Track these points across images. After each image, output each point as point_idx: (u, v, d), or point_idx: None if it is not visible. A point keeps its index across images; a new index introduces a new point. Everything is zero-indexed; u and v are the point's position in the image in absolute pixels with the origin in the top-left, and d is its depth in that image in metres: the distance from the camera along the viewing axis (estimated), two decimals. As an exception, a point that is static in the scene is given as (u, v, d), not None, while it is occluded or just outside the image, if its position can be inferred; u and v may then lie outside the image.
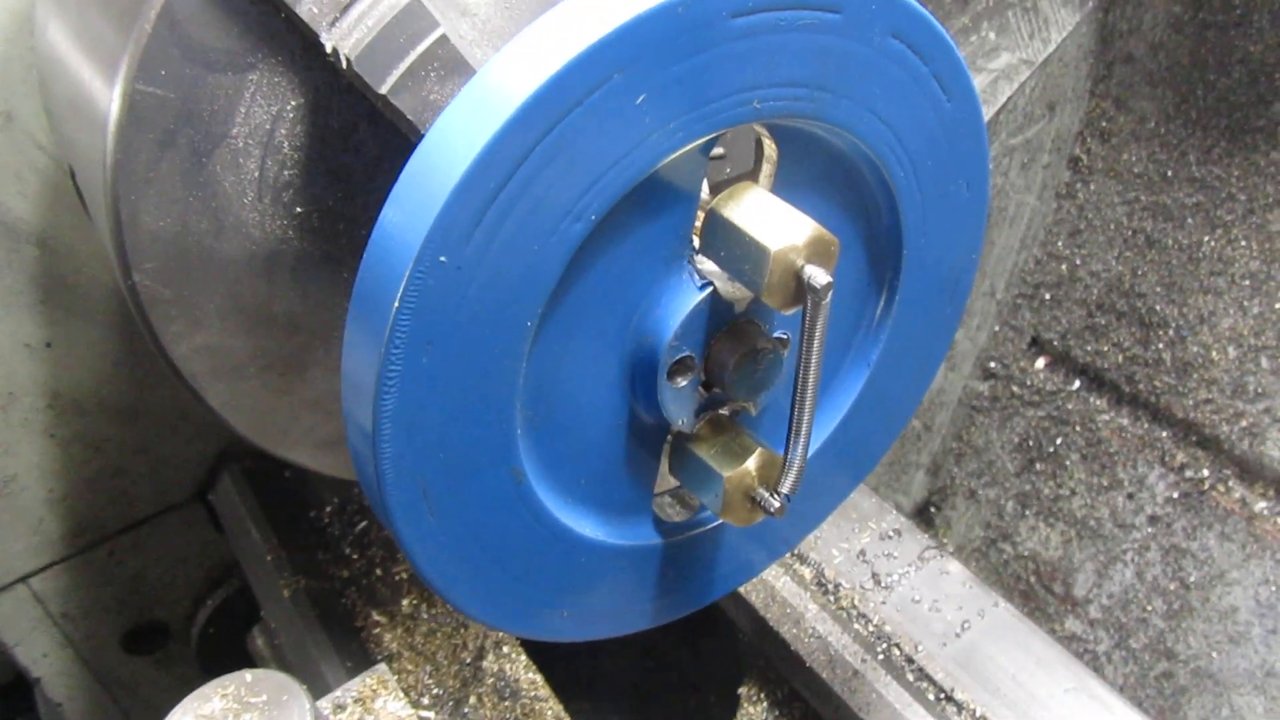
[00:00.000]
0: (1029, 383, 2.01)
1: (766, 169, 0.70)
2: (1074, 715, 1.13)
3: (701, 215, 0.68)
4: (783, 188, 0.70)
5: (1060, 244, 1.90)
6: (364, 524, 1.44)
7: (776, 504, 0.70)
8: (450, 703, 1.21)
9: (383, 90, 0.71)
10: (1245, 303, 1.62)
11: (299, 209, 0.83)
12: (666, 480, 0.81)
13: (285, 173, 0.81)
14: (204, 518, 1.59)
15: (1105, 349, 1.87)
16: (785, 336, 0.74)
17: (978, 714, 1.13)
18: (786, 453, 0.69)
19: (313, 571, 1.37)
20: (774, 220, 0.63)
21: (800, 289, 0.62)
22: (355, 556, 1.41)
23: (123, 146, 0.75)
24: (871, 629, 1.23)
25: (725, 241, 0.65)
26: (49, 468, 1.39)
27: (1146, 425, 1.84)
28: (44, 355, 1.30)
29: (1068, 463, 1.97)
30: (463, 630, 1.29)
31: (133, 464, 1.47)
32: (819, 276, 0.62)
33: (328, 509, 1.47)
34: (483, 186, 0.54)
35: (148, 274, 0.79)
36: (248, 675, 1.04)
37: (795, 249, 0.62)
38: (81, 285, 1.28)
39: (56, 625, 1.54)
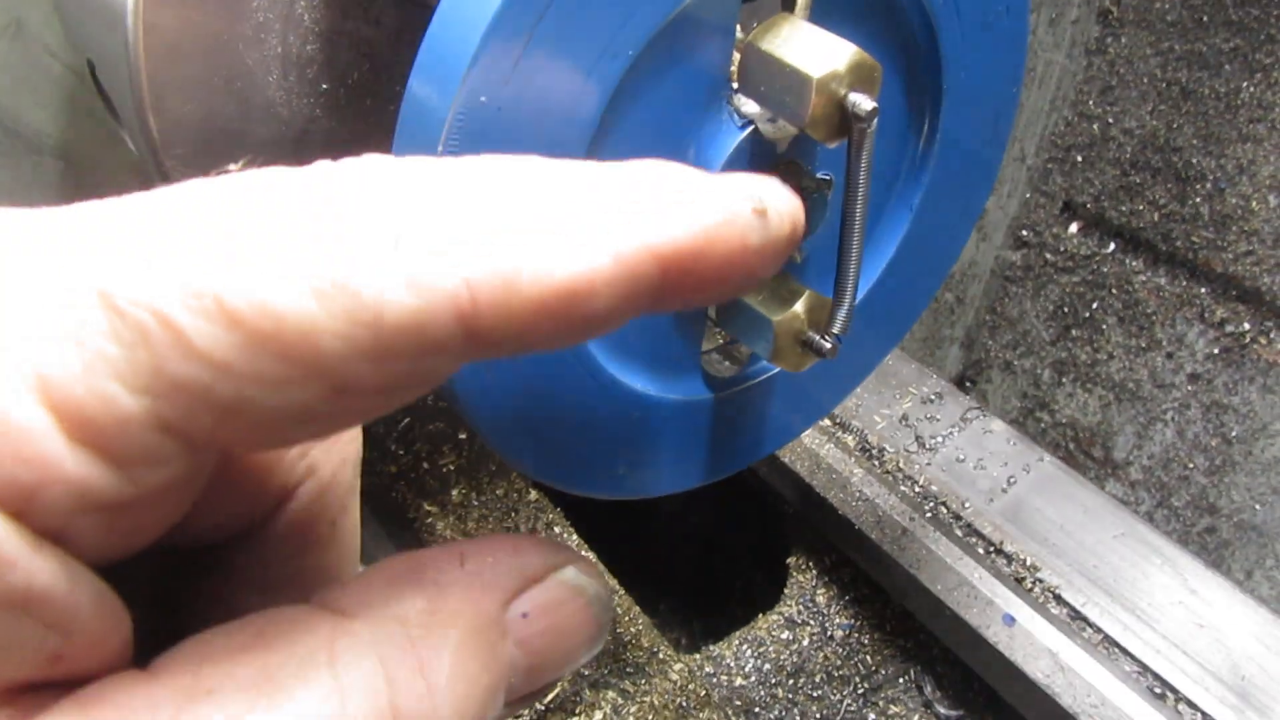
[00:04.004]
0: (1062, 248, 1.98)
1: (802, 0, 0.68)
2: (1124, 559, 1.14)
3: (738, 57, 0.67)
4: (819, 19, 0.68)
5: (1091, 103, 1.85)
6: (406, 420, 1.46)
7: (828, 345, 0.69)
8: (507, 583, 1.23)
9: (401, -51, 0.70)
10: (1286, 147, 1.58)
11: (324, 85, 0.81)
12: (713, 339, 0.81)
13: (308, 48, 0.80)
14: (249, 427, 1.61)
15: (1140, 208, 1.83)
16: (829, 177, 0.73)
17: (1028, 564, 1.15)
18: (836, 292, 0.68)
19: (361, 469, 1.40)
20: (813, 48, 0.61)
21: (845, 118, 0.61)
22: (401, 452, 1.43)
23: (144, 31, 0.74)
24: (918, 490, 1.24)
25: (764, 76, 0.63)
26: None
27: (1185, 283, 1.82)
28: (79, 270, 1.31)
29: (1104, 326, 1.95)
30: (514, 514, 1.31)
31: (176, 376, 1.48)
32: (863, 103, 0.60)
33: (370, 409, 1.49)
34: (517, 23, 0.53)
35: (180, 160, 0.78)
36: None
37: (837, 75, 0.60)
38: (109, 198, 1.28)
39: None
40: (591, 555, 1.27)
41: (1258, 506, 1.79)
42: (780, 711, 1.20)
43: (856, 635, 1.27)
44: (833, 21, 0.69)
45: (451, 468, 1.38)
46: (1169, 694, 1.04)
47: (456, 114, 0.53)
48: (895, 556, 1.17)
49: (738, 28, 0.67)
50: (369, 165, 0.32)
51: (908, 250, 0.86)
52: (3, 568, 0.26)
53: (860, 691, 1.22)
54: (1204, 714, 1.02)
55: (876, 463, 1.28)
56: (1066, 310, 2.01)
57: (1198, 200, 1.74)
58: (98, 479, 0.27)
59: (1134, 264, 1.89)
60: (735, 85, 0.67)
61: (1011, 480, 1.24)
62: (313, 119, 0.82)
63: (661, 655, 1.16)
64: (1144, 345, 1.90)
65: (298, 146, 0.83)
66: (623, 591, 1.22)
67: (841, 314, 0.68)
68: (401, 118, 0.57)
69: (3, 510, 0.26)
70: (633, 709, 1.10)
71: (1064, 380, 2.04)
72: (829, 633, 1.27)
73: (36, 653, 0.28)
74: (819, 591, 1.31)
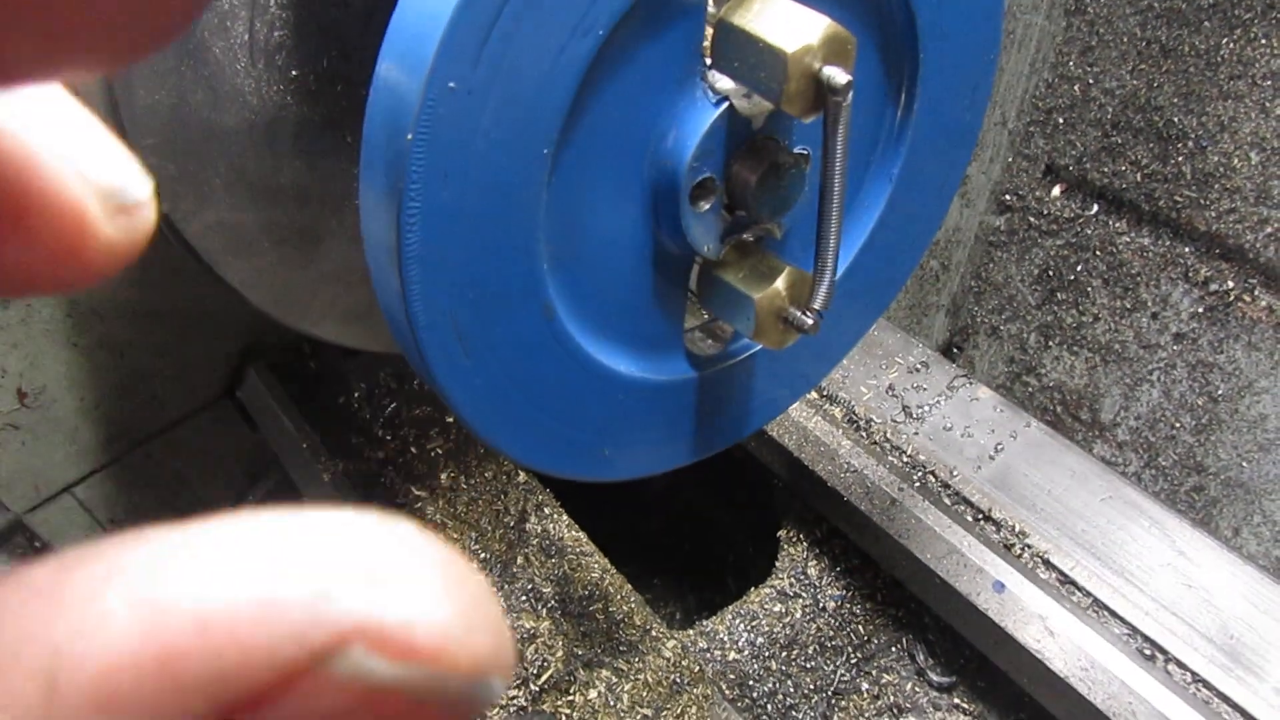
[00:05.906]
0: (1046, 212, 1.98)
1: (774, -27, 0.67)
2: (1111, 522, 1.15)
3: (711, 31, 0.66)
4: (792, -8, 0.67)
5: (1071, 64, 1.84)
6: (393, 405, 1.45)
7: (810, 321, 0.69)
8: (499, 565, 1.24)
9: (366, -70, 0.68)
10: (1267, 104, 1.57)
11: (294, 72, 0.80)
12: (695, 316, 0.81)
13: (275, 34, 0.78)
14: (236, 415, 1.60)
15: (1123, 169, 1.83)
16: (806, 152, 0.72)
17: (1016, 529, 1.15)
18: (816, 266, 0.68)
19: (349, 455, 1.39)
20: (786, 22, 0.60)
21: (820, 92, 0.60)
22: (388, 438, 1.42)
23: (105, 19, 0.73)
24: (906, 459, 1.24)
25: (738, 51, 0.62)
26: (76, 376, 1.40)
27: (1168, 242, 1.82)
28: (55, 264, 1.29)
29: (1089, 289, 1.95)
30: (503, 497, 1.31)
31: (158, 366, 1.47)
32: (838, 76, 0.60)
33: (355, 394, 1.48)
34: (485, 3, 0.52)
35: (150, 150, 0.77)
36: (300, 551, 1.07)
37: (811, 50, 0.59)
38: (82, 189, 1.26)
39: (106, 531, 1.57)
40: (583, 535, 1.27)
41: (1244, 464, 1.80)
42: (774, 684, 1.20)
43: (848, 606, 1.27)
44: (806, -7, 0.68)
45: (439, 451, 1.37)
46: (1159, 655, 1.04)
47: (426, 99, 0.52)
48: (885, 527, 1.17)
49: (710, 2, 0.66)
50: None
51: (889, 221, 0.85)
52: None
53: (853, 661, 1.22)
54: (1194, 674, 1.03)
55: (864, 434, 1.28)
56: (1051, 274, 2.01)
57: (1179, 159, 1.74)
58: None
59: (1117, 225, 1.88)
60: (709, 61, 0.66)
61: (999, 447, 1.24)
62: (283, 106, 0.81)
63: (654, 633, 1.16)
64: (1129, 306, 1.90)
65: (270, 135, 0.82)
66: (614, 570, 1.22)
67: (822, 289, 0.68)
68: (370, 104, 0.56)
69: None
70: (627, 687, 1.11)
71: (1050, 344, 2.05)
72: (821, 604, 1.27)
73: None
74: (810, 563, 1.31)
